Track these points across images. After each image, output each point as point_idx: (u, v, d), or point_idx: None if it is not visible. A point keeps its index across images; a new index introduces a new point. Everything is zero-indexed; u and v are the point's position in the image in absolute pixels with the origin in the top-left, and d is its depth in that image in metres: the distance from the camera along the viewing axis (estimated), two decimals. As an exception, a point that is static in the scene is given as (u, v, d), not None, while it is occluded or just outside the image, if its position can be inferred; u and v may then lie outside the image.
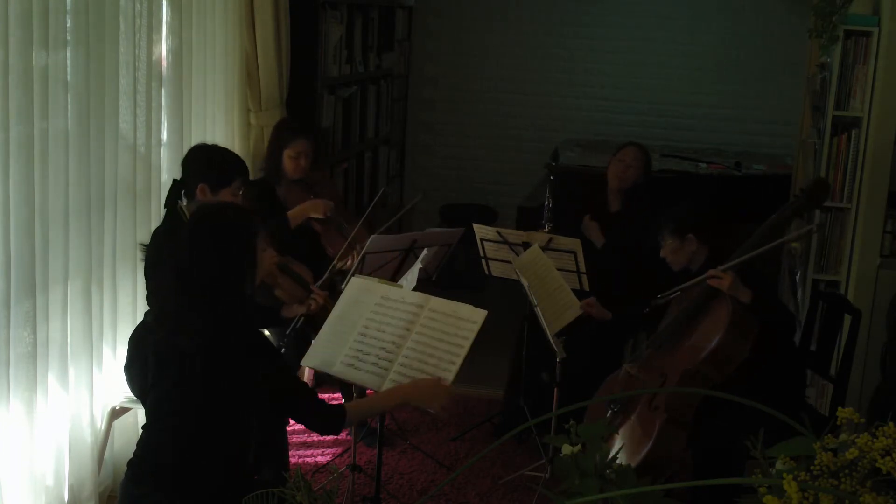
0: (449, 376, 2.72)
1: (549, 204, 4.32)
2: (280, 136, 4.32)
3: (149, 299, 3.32)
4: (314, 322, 3.69)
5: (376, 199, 4.33)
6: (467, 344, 2.76)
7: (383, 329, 2.88)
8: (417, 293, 2.97)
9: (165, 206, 3.33)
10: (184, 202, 3.32)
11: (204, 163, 3.34)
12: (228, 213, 2.66)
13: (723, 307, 3.26)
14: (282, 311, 3.53)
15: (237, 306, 2.54)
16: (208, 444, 2.50)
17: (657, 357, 3.42)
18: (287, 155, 4.25)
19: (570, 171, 5.49)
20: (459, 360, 2.74)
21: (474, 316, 2.81)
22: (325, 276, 3.74)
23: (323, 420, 2.66)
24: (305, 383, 2.71)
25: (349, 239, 3.96)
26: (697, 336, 3.32)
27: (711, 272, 3.27)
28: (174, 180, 3.36)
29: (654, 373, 3.38)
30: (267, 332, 3.92)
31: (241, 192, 3.39)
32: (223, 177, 3.31)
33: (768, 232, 3.39)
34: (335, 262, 3.96)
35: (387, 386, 2.77)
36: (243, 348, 2.50)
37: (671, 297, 3.46)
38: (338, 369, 2.88)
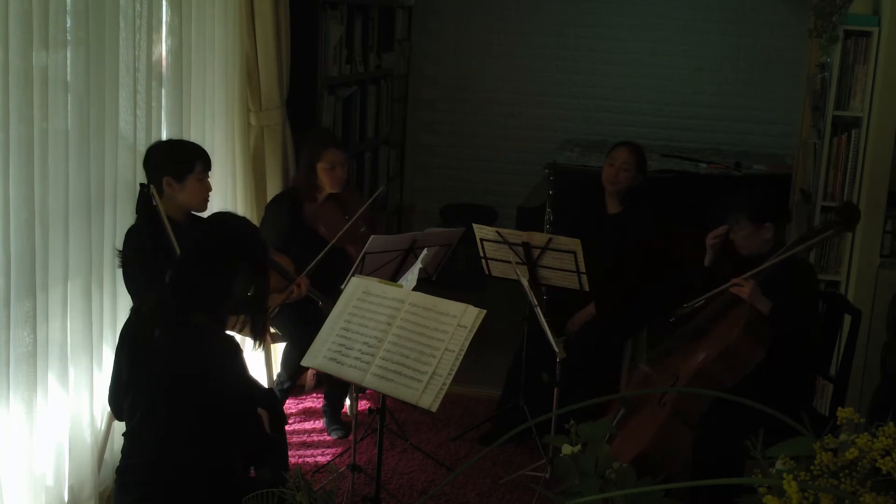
0: (429, 370, 2.73)
1: (549, 217, 4.28)
2: (311, 151, 4.25)
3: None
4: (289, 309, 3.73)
5: (376, 195, 4.30)
6: (446, 338, 2.77)
7: (365, 324, 2.90)
8: (399, 289, 2.98)
9: (137, 211, 3.36)
10: (156, 200, 3.34)
11: (162, 157, 3.38)
12: (236, 226, 2.67)
13: (741, 312, 3.26)
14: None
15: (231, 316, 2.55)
16: (191, 451, 2.49)
17: (672, 357, 3.42)
18: (321, 168, 4.17)
19: (570, 171, 5.48)
20: (439, 354, 2.75)
21: (455, 310, 2.82)
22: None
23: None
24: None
25: (349, 223, 3.92)
26: (713, 338, 3.31)
27: (734, 280, 3.27)
28: (140, 184, 3.38)
29: (668, 373, 3.38)
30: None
31: (206, 176, 3.41)
32: (184, 164, 3.36)
33: (795, 246, 3.37)
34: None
35: (368, 379, 2.79)
36: (233, 356, 2.50)
37: (696, 305, 3.44)
38: (320, 363, 2.90)
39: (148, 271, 3.17)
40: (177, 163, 3.35)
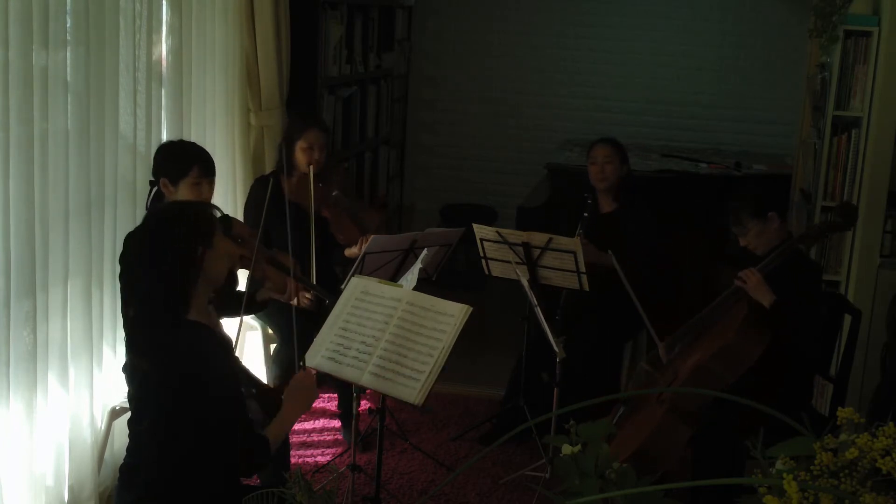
0: (426, 369, 2.72)
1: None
2: (291, 129, 4.27)
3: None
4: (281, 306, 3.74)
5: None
6: (444, 337, 2.76)
7: (363, 323, 2.90)
8: (397, 288, 2.98)
9: (146, 207, 3.35)
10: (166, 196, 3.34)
11: (163, 157, 3.37)
12: (168, 218, 2.54)
13: (740, 307, 3.27)
14: (257, 295, 3.57)
15: (181, 319, 2.46)
16: (188, 452, 2.48)
17: (674, 355, 3.43)
18: (300, 147, 4.17)
19: (570, 171, 5.49)
20: (437, 353, 2.74)
21: (452, 310, 2.82)
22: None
23: (248, 453, 2.54)
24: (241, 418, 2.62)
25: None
26: (713, 336, 3.32)
27: (740, 273, 3.27)
28: (150, 181, 3.37)
29: (668, 371, 3.39)
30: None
31: (205, 182, 3.35)
32: (179, 167, 3.30)
33: (797, 242, 3.38)
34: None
35: (365, 378, 2.78)
36: (194, 363, 2.43)
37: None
38: (318, 363, 2.90)
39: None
40: (173, 165, 3.31)
